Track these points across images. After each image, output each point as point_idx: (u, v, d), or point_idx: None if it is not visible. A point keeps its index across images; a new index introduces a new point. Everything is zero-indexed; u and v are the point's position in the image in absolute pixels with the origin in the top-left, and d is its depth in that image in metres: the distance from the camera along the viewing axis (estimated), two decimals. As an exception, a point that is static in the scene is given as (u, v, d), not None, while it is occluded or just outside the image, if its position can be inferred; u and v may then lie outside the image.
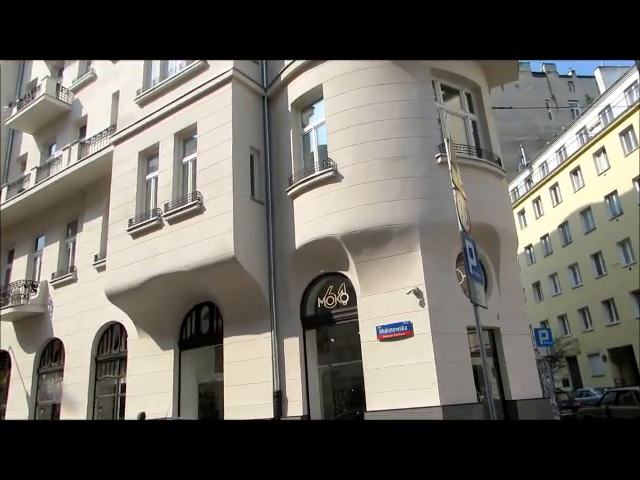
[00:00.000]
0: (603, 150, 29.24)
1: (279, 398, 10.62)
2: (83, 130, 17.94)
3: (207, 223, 11.21)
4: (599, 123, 29.83)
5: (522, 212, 37.71)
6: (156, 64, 14.00)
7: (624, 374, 26.87)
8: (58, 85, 19.15)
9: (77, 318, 15.32)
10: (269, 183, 11.94)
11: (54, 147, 18.95)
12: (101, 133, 15.87)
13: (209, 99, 12.11)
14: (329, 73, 11.11)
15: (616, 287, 28.10)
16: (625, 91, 28.23)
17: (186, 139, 12.72)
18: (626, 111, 26.94)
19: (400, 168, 9.92)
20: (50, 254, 17.27)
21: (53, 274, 16.65)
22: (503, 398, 9.97)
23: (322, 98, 11.19)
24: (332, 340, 11.28)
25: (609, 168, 28.71)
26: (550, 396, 10.49)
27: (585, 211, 30.97)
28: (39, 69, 21.12)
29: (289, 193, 11.17)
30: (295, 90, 11.78)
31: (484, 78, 11.98)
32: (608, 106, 29.39)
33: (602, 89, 33.28)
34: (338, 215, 10.14)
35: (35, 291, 16.81)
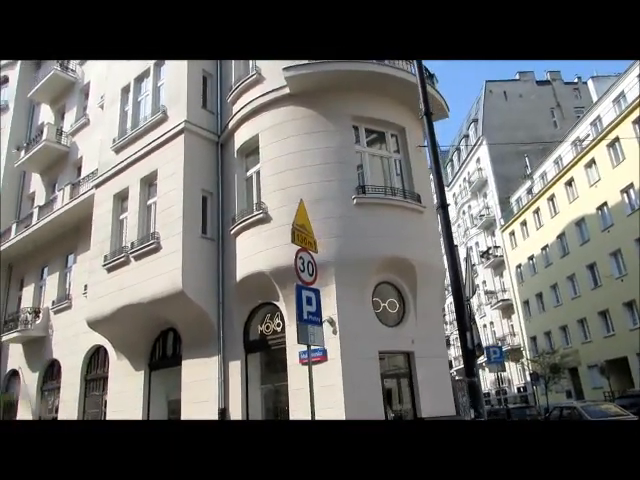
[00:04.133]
0: (594, 161, 29.55)
1: (223, 414, 11.96)
2: (80, 170, 19.87)
3: (162, 260, 12.72)
4: (588, 135, 30.15)
5: (524, 223, 38.03)
6: (129, 113, 15.68)
7: (618, 386, 26.90)
8: (59, 130, 21.23)
9: (72, 341, 17.08)
10: (220, 222, 13.35)
11: (56, 186, 20.97)
12: (88, 176, 17.68)
13: (166, 148, 13.67)
14: (265, 124, 12.50)
15: (610, 298, 28.27)
16: (614, 101, 28.52)
17: (150, 184, 14.28)
18: (611, 123, 27.28)
19: (320, 210, 11.13)
20: (52, 283, 19.22)
21: (53, 301, 18.54)
22: (415, 415, 11.02)
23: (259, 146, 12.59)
24: (272, 363, 12.53)
25: (599, 179, 29.00)
26: (465, 414, 11.40)
27: (580, 222, 31.23)
28: (46, 112, 23.34)
29: (232, 231, 12.57)
30: (240, 138, 13.20)
31: (411, 117, 12.96)
32: (598, 117, 29.72)
33: (594, 99, 33.51)
34: (267, 253, 11.48)
35: (38, 317, 18.73)
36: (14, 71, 24.93)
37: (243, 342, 12.35)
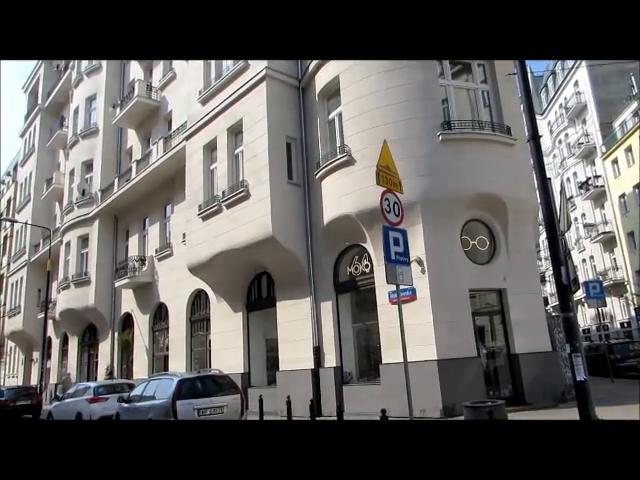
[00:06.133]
0: None
1: (318, 352, 12.58)
2: (170, 123, 20.74)
3: (252, 208, 13.22)
4: None
5: (629, 149, 34.84)
6: (213, 65, 16.00)
7: None
8: (149, 85, 22.12)
9: (175, 286, 18.46)
10: (305, 167, 13.55)
11: (150, 140, 22.08)
12: (178, 129, 18.43)
13: (250, 97, 13.89)
14: (344, 64, 12.25)
15: None
16: None
17: (237, 133, 14.66)
18: None
19: (404, 149, 10.93)
20: (153, 232, 20.65)
21: (156, 249, 19.97)
22: (509, 352, 10.95)
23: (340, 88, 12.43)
24: (362, 303, 12.85)
25: None
26: (562, 349, 11.13)
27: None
28: (136, 70, 24.32)
29: (317, 176, 12.73)
30: (320, 81, 13.11)
31: (500, 46, 12.21)
32: None
33: None
34: (352, 195, 11.56)
35: (144, 264, 20.32)
36: (103, 31, 25.93)
37: (333, 283, 12.73)
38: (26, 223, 30.69)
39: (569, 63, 43.19)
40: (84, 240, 23.72)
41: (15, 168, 39.35)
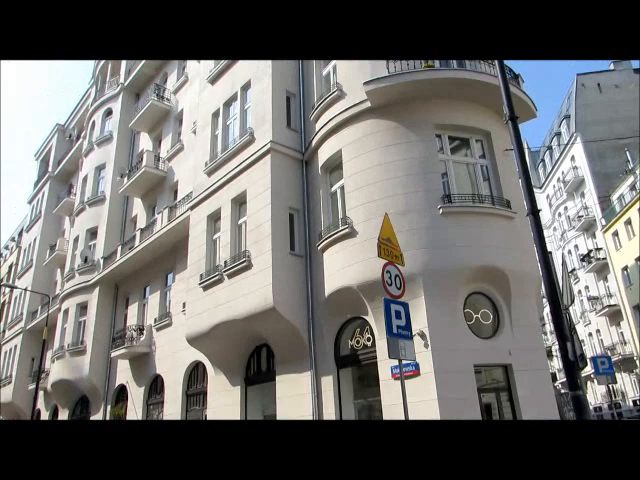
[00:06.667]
0: None
1: (318, 429, 12.05)
2: (176, 193, 21.11)
3: (253, 278, 13.15)
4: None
5: (628, 222, 35.20)
6: (219, 138, 16.50)
7: None
8: (156, 156, 22.75)
9: (173, 357, 18.06)
10: (307, 238, 13.60)
11: (156, 209, 22.41)
12: (184, 198, 18.74)
13: (254, 169, 14.19)
14: (347, 139, 12.62)
15: None
16: None
17: (240, 203, 14.87)
18: None
19: (405, 221, 11.04)
20: (153, 301, 20.47)
21: (155, 319, 19.72)
22: (517, 432, 10.47)
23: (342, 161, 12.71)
24: (364, 378, 12.47)
25: None
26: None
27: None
28: (145, 140, 25.10)
29: (319, 247, 12.75)
30: (323, 154, 13.43)
31: (496, 119, 12.49)
32: None
33: None
34: (354, 267, 11.51)
35: (142, 334, 20.00)
36: (117, 103, 27.04)
37: (334, 357, 12.41)
38: (25, 289, 30.56)
39: (565, 138, 44.52)
40: (83, 308, 23.48)
41: (20, 234, 39.75)
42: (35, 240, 33.72)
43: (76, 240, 25.50)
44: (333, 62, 14.01)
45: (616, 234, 37.20)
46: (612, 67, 44.57)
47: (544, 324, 32.07)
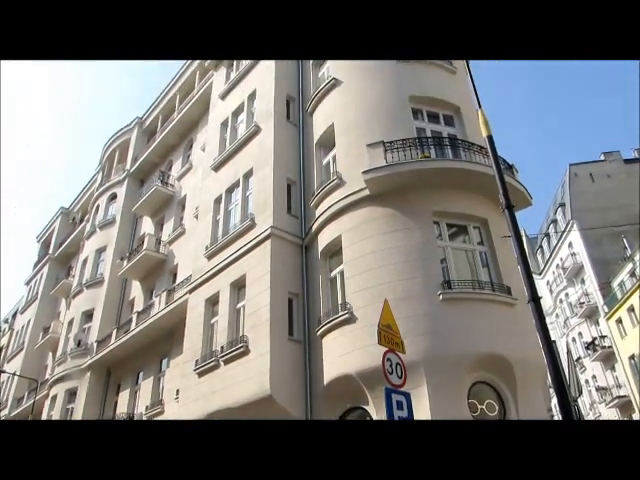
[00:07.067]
0: None
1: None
2: (175, 276, 21.09)
3: (251, 364, 12.79)
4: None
5: (631, 309, 34.92)
6: (221, 222, 16.75)
7: None
8: (157, 239, 22.99)
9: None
10: (306, 323, 13.39)
11: (154, 292, 22.28)
12: (183, 282, 18.69)
13: (254, 253, 14.27)
14: (346, 225, 12.79)
15: None
16: None
17: (240, 287, 14.79)
18: None
19: (405, 308, 10.90)
20: (146, 387, 19.80)
21: (147, 406, 18.96)
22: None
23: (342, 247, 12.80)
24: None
25: None
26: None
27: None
28: (147, 224, 25.47)
29: (318, 333, 12.52)
30: (323, 240, 13.55)
31: (492, 207, 12.68)
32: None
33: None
34: (353, 354, 11.24)
35: (133, 422, 19.15)
36: (122, 188, 27.76)
37: (333, 450, 11.79)
38: (14, 374, 29.67)
39: (561, 225, 45.28)
40: (72, 394, 22.65)
41: (14, 315, 39.29)
42: (29, 322, 33.28)
43: (71, 323, 25.15)
44: (333, 152, 14.51)
45: (620, 321, 36.78)
46: (603, 157, 46.24)
47: (552, 416, 30.84)
